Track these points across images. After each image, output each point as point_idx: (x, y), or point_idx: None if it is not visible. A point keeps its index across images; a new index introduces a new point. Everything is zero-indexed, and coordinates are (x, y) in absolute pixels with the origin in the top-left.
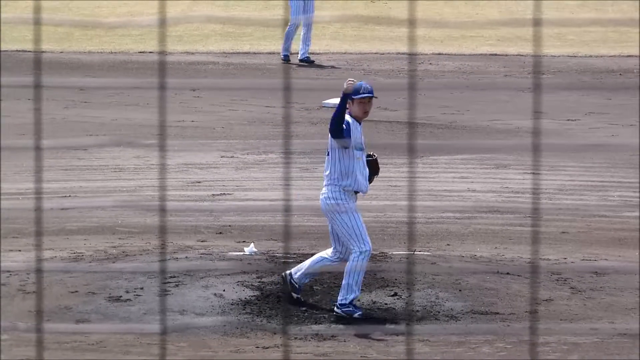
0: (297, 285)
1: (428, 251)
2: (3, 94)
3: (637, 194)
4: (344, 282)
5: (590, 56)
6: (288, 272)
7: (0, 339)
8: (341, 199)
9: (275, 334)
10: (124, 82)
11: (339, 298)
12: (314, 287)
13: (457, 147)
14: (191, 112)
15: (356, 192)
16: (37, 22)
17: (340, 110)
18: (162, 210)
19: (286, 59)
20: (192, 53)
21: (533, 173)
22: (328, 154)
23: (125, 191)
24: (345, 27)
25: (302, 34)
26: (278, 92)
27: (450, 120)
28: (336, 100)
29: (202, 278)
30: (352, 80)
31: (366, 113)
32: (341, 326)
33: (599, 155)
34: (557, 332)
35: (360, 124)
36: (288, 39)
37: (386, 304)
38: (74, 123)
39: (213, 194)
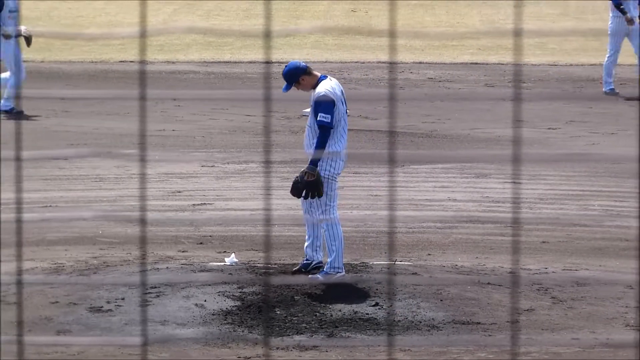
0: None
1: (409, 261)
2: None
3: (618, 203)
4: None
5: (571, 65)
6: None
7: None
8: None
9: (256, 344)
10: (104, 91)
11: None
12: (295, 297)
13: (438, 156)
14: (172, 121)
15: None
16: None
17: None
18: (143, 220)
19: (612, 91)
20: (173, 62)
21: (513, 182)
22: None
23: (106, 201)
24: (325, 36)
25: None
26: (259, 101)
27: (431, 129)
28: None
29: (183, 288)
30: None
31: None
32: (323, 336)
33: (579, 164)
34: (538, 342)
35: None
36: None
37: (367, 314)
38: (55, 132)
39: (194, 204)
